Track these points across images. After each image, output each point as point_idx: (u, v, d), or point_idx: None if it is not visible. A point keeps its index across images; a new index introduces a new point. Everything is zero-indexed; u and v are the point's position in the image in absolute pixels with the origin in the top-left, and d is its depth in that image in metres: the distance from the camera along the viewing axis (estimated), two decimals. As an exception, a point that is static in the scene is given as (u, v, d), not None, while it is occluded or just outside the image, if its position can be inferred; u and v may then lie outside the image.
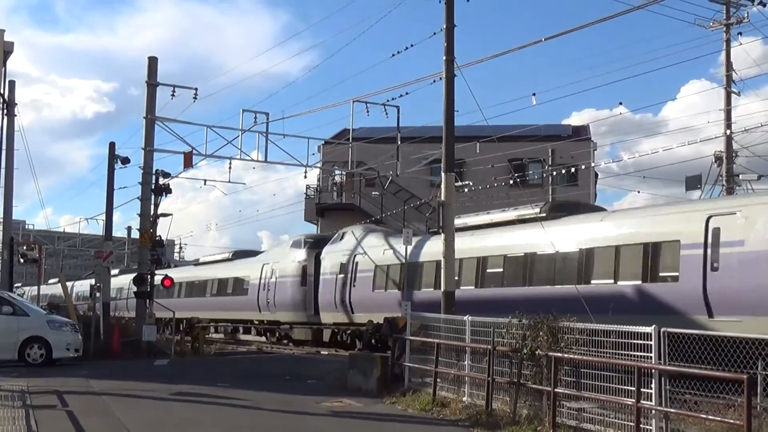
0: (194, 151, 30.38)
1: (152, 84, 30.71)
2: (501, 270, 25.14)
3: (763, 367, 10.75)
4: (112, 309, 35.52)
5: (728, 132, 31.09)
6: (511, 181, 35.65)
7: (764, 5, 31.16)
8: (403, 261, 27.32)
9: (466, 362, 15.67)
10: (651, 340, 11.11)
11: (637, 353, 11.33)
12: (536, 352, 13.32)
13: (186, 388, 18.66)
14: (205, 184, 36.33)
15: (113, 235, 37.75)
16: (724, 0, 31.69)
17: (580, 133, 48.78)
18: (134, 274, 32.25)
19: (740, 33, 31.81)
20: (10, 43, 31.17)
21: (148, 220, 30.77)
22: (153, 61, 31.04)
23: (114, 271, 43.61)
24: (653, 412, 11.11)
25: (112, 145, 34.16)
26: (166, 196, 31.34)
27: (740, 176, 31.96)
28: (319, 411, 15.53)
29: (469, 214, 28.86)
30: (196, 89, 31.06)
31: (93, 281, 34.78)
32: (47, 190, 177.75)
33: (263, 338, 40.49)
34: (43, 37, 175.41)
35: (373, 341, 28.32)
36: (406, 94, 28.34)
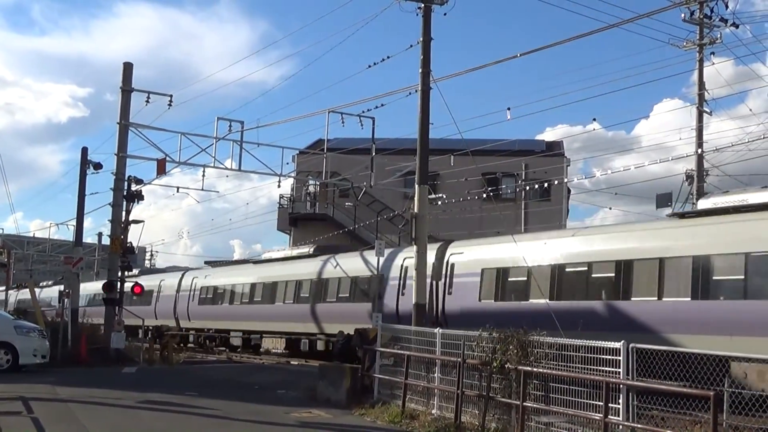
0: (168, 158, 30.26)
1: (127, 90, 30.56)
2: (262, 291, 36.80)
3: (730, 384, 10.84)
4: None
5: (699, 151, 31.39)
6: (485, 195, 35.76)
7: (737, 27, 31.61)
8: (378, 272, 27.31)
9: (435, 375, 15.68)
10: (620, 356, 11.17)
11: (606, 368, 11.39)
12: (506, 366, 13.35)
13: (154, 397, 18.52)
14: (178, 191, 36.13)
15: (84, 241, 37.47)
16: (697, 20, 32.05)
17: (554, 148, 49.06)
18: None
19: (713, 53, 32.20)
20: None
21: (120, 227, 30.55)
22: (128, 67, 30.92)
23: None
24: (620, 427, 11.16)
25: (84, 150, 33.92)
26: (138, 202, 31.19)
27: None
28: (288, 421, 15.46)
29: (273, 249, 41.27)
30: (171, 96, 31.01)
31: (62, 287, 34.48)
32: (18, 194, 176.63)
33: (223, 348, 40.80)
34: (18, 40, 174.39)
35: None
36: (382, 105, 28.50)
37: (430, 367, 16.03)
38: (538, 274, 22.08)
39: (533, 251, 22.77)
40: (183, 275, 45.76)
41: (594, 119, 66.73)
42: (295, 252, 37.33)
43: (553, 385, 12.45)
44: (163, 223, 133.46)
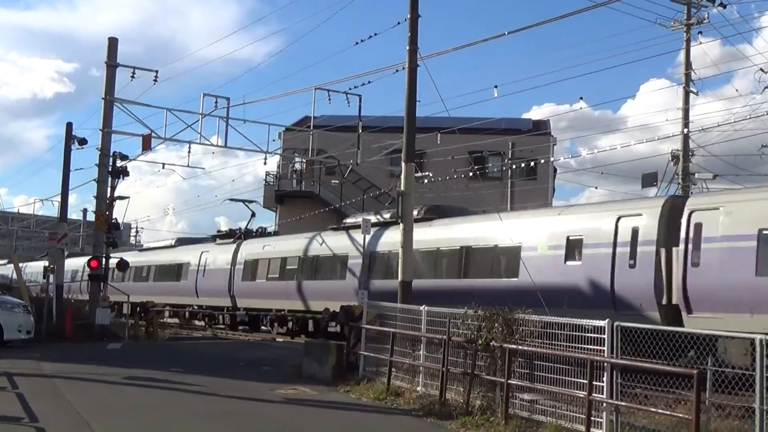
0: (153, 134, 30.07)
1: (112, 65, 30.35)
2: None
3: (713, 362, 10.91)
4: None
5: (685, 131, 31.43)
6: (471, 173, 35.74)
7: (724, 6, 31.58)
8: (363, 251, 27.41)
9: (421, 352, 15.72)
10: (604, 334, 11.22)
11: (591, 346, 11.44)
12: (491, 344, 13.39)
13: (139, 373, 18.53)
14: (163, 167, 35.97)
15: (68, 217, 37.37)
16: (685, 0, 32.00)
17: (540, 127, 49.03)
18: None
19: (700, 33, 32.17)
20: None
21: (105, 203, 30.42)
22: (113, 42, 30.68)
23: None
24: (604, 404, 11.23)
25: (69, 126, 33.71)
26: (123, 178, 31.05)
27: (696, 175, 32.38)
28: (273, 398, 15.50)
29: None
30: (156, 71, 30.79)
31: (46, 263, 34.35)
32: (2, 170, 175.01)
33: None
34: (3, 14, 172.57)
35: (329, 329, 28.33)
36: (369, 83, 28.39)
37: (415, 345, 16.08)
38: None
39: None
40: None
41: (581, 98, 66.61)
42: (162, 243, 49.55)
43: (538, 363, 12.51)
44: (148, 199, 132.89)
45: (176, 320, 42.89)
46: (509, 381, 12.75)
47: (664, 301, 18.23)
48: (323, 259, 30.82)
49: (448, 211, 27.51)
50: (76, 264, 49.00)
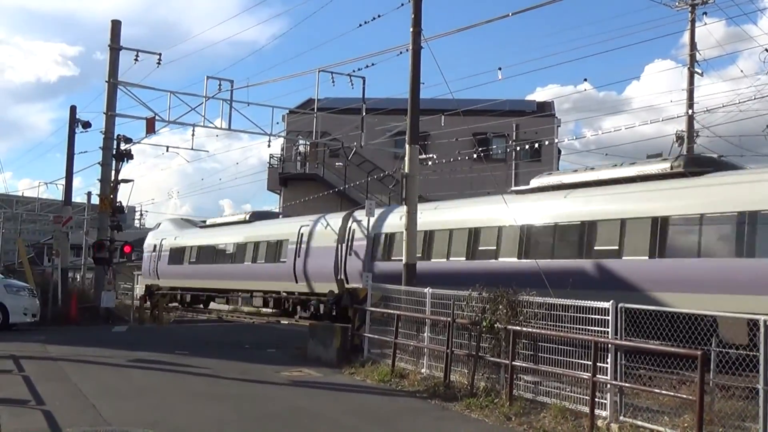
0: (157, 117, 30.07)
1: (115, 48, 30.31)
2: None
3: (717, 343, 10.91)
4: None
5: (690, 112, 31.33)
6: (475, 156, 35.69)
7: (730, -14, 31.35)
8: (367, 233, 27.46)
9: (425, 334, 15.75)
10: (608, 316, 11.23)
11: (595, 328, 11.45)
12: (495, 325, 13.41)
13: (144, 355, 18.59)
14: (167, 150, 35.98)
15: (73, 200, 37.39)
16: (690, -21, 31.78)
17: (545, 109, 48.91)
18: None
19: (705, 13, 31.99)
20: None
21: (109, 186, 30.45)
22: (116, 25, 30.63)
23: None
24: (608, 386, 11.24)
25: (73, 109, 33.73)
26: (127, 161, 31.05)
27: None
28: (278, 380, 15.55)
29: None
30: (160, 54, 30.76)
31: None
32: (6, 154, 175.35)
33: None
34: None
35: (333, 312, 28.43)
36: (373, 65, 28.46)
37: (419, 327, 16.11)
38: None
39: None
40: None
41: (585, 79, 66.63)
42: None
43: (542, 345, 12.52)
44: (153, 182, 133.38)
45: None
46: (513, 363, 12.77)
47: (339, 276, 29.14)
48: (198, 247, 41.85)
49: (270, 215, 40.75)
50: None
